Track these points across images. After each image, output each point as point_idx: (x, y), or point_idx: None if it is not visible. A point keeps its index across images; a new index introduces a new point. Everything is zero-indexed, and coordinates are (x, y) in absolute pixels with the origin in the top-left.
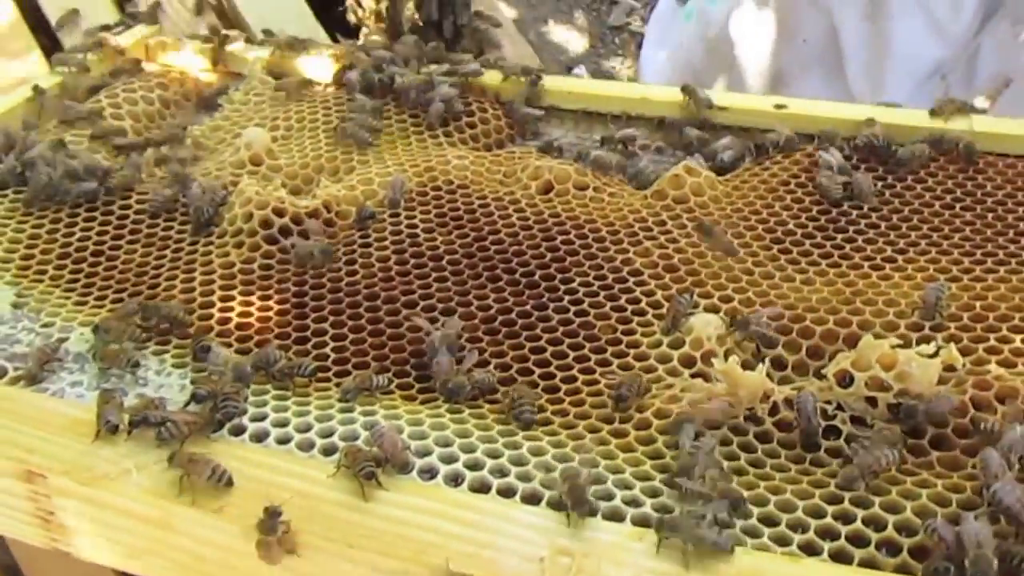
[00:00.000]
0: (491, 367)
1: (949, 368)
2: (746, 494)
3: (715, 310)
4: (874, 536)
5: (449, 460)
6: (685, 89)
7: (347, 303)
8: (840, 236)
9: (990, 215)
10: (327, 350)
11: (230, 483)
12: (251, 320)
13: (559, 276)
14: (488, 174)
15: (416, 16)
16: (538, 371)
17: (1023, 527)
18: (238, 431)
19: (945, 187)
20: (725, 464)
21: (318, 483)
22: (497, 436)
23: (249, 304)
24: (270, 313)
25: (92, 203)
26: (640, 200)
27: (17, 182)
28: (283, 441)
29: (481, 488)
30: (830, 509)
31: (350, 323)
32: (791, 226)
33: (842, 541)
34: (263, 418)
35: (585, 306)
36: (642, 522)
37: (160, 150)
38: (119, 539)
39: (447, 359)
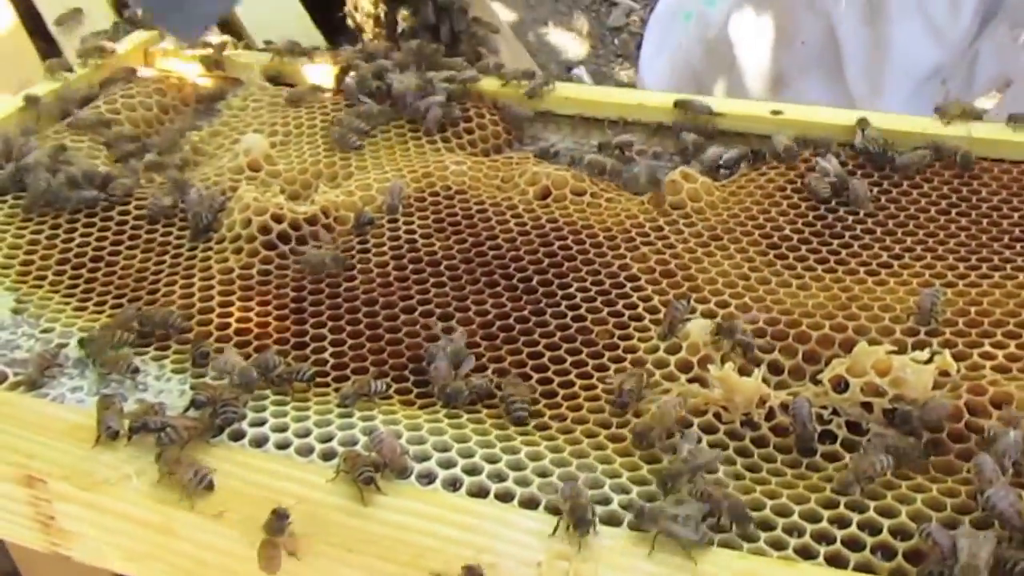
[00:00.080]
0: (489, 372)
1: (944, 373)
2: (742, 499)
3: (712, 315)
4: (869, 540)
5: (447, 465)
6: (680, 104)
7: (345, 309)
8: (836, 241)
9: (985, 221)
10: (326, 355)
11: (210, 486)
12: (250, 326)
13: (557, 282)
14: (486, 180)
15: (413, 21)
16: (536, 376)
17: (1017, 532)
18: (237, 436)
19: (940, 193)
20: (721, 471)
21: (317, 488)
22: (495, 441)
23: (248, 310)
24: (269, 319)
25: (92, 209)
26: (637, 205)
27: (16, 188)
28: (282, 446)
29: (479, 493)
30: (826, 513)
31: (348, 329)
32: (787, 231)
33: (838, 545)
34: (262, 423)
35: (583, 312)
36: (639, 526)
37: (156, 156)
38: (119, 543)
39: (445, 365)
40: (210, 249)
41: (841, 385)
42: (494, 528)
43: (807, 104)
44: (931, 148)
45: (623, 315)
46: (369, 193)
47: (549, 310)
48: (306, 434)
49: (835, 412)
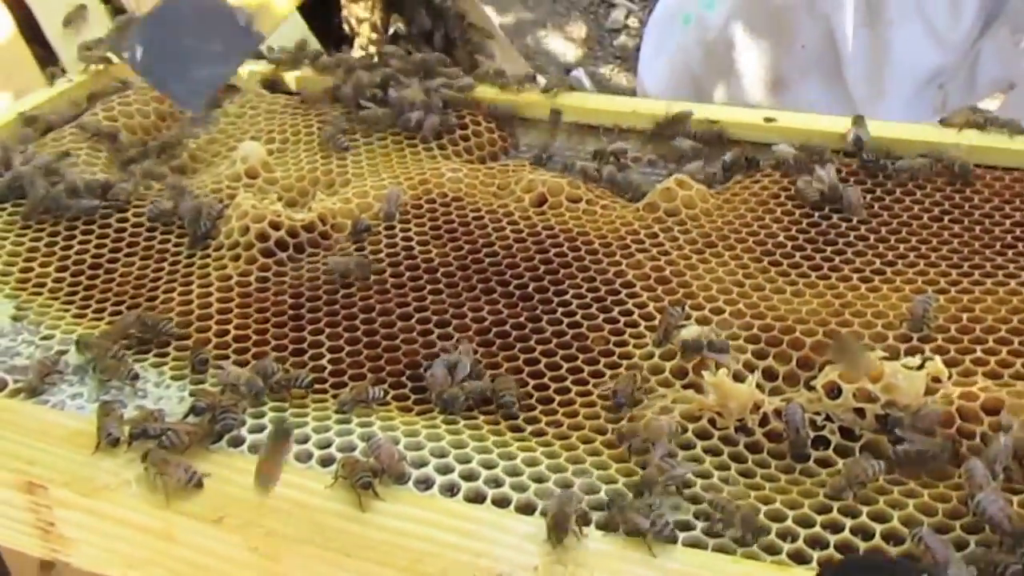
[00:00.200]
0: (486, 378)
1: (936, 379)
2: (752, 509)
3: (706, 322)
4: (862, 545)
5: (445, 471)
6: (676, 119)
7: (343, 315)
8: (830, 248)
9: (978, 228)
10: (323, 362)
11: (199, 484)
12: (248, 332)
13: (552, 288)
14: (482, 187)
15: (409, 27)
16: (532, 382)
17: (1006, 536)
18: (236, 443)
19: (933, 200)
20: (698, 483)
21: (316, 494)
22: (492, 447)
23: (246, 316)
24: (267, 325)
25: (91, 216)
26: (632, 212)
27: (15, 195)
28: None
29: (476, 498)
30: (819, 518)
31: (346, 336)
32: (781, 238)
33: (831, 550)
34: (261, 430)
35: (578, 318)
36: (636, 531)
37: (154, 163)
38: (119, 549)
39: (442, 371)
40: (208, 256)
41: (834, 391)
42: (491, 533)
43: (808, 107)
44: (932, 158)
45: (619, 322)
46: (366, 200)
47: (545, 317)
48: (304, 440)
49: (828, 418)
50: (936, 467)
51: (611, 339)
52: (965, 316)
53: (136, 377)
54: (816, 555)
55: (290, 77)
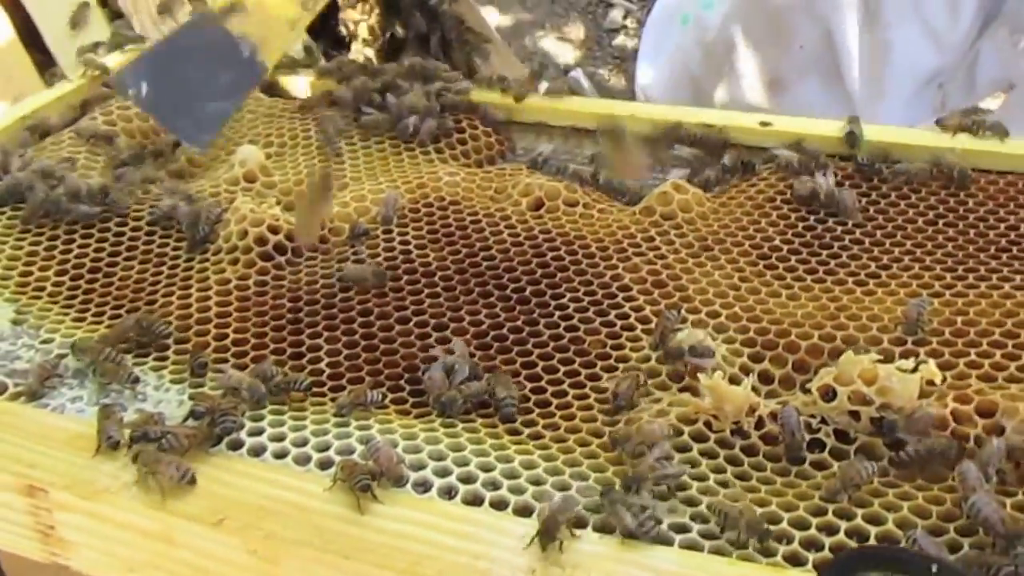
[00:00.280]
0: (483, 381)
1: (931, 382)
2: (756, 513)
3: (702, 325)
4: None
5: (443, 473)
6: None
7: (341, 319)
8: (825, 252)
9: (972, 231)
10: (322, 365)
11: (192, 481)
12: (247, 336)
13: (549, 292)
14: (479, 191)
15: (406, 31)
16: (529, 386)
17: (1000, 538)
18: (236, 445)
19: (928, 203)
20: (694, 486)
21: (315, 496)
22: (490, 450)
23: (245, 320)
24: (265, 329)
25: (90, 221)
26: (629, 216)
27: (14, 199)
28: (280, 455)
29: (474, 501)
30: (815, 521)
31: (344, 339)
32: (777, 242)
33: (826, 552)
34: (260, 432)
35: (575, 322)
36: (620, 527)
37: (153, 167)
38: (119, 552)
39: (439, 374)
40: (207, 260)
41: (829, 394)
42: (489, 535)
43: (807, 107)
44: (931, 164)
45: (615, 325)
46: (364, 204)
47: (542, 320)
48: (303, 443)
49: (823, 421)
50: (947, 464)
51: (608, 343)
52: (960, 319)
53: (136, 380)
54: (812, 557)
55: (289, 81)
